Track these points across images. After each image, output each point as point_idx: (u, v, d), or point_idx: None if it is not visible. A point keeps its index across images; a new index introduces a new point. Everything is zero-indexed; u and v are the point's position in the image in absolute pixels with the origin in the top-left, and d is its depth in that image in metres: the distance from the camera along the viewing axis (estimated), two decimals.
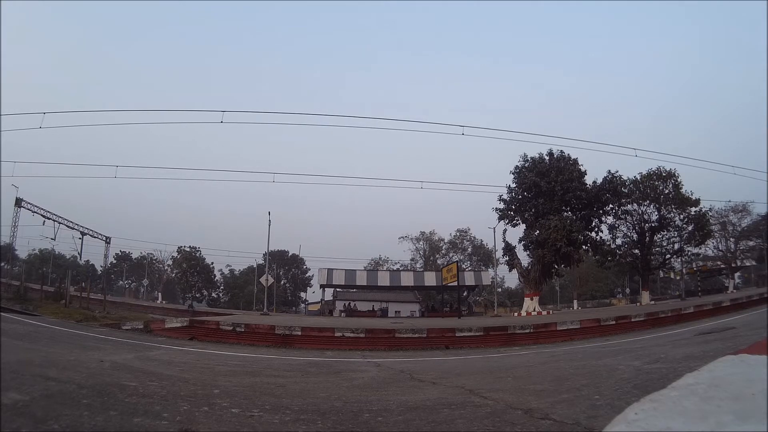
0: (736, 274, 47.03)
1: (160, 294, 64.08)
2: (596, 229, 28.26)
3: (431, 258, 65.62)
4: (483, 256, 64.40)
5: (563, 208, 26.84)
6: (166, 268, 69.05)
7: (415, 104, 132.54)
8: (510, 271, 33.74)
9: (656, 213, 31.17)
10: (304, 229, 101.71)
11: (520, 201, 27.94)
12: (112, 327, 12.58)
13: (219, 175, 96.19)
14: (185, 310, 39.69)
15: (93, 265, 66.10)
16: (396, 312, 44.86)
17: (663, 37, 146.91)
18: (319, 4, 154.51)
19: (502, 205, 28.46)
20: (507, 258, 28.92)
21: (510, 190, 28.25)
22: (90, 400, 3.28)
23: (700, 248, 35.96)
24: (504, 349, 10.38)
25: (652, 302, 30.32)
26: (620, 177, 28.67)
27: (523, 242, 27.66)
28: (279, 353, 9.29)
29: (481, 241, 64.43)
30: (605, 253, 31.36)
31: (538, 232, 26.08)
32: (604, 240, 29.73)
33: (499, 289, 58.45)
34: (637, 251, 32.24)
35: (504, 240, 28.52)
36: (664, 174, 30.51)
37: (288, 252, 68.94)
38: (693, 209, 30.84)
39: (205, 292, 68.67)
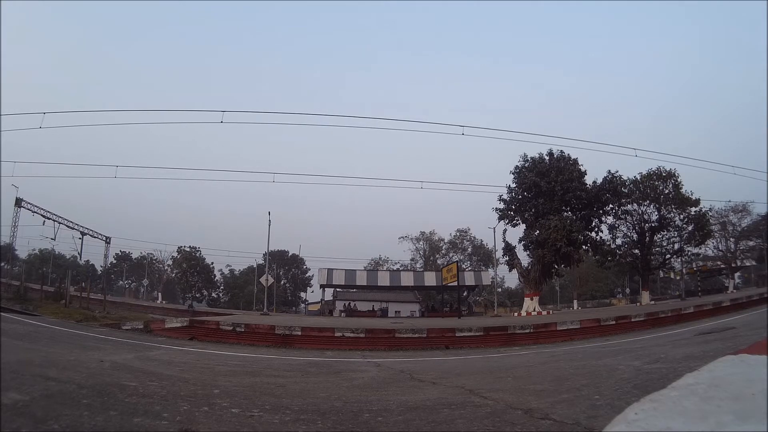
0: (736, 274, 47.03)
1: (160, 294, 64.09)
2: (596, 229, 28.29)
3: (431, 258, 65.62)
4: (483, 256, 64.41)
5: (563, 208, 26.84)
6: (166, 268, 69.08)
7: (415, 104, 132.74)
8: (510, 271, 33.81)
9: (656, 213, 31.18)
10: (304, 229, 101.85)
11: (520, 201, 27.94)
12: (112, 327, 12.58)
13: (219, 175, 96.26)
14: (185, 310, 39.69)
15: (93, 265, 66.18)
16: (396, 312, 44.86)
17: (663, 37, 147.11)
18: (319, 4, 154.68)
19: (502, 205, 28.48)
20: (507, 258, 28.92)
21: (510, 190, 28.27)
22: (90, 400, 3.28)
23: (700, 248, 36.00)
24: (504, 349, 10.38)
25: (652, 302, 30.32)
26: (620, 177, 28.68)
27: (523, 242, 27.67)
28: (279, 353, 9.29)
29: (481, 241, 64.55)
30: (605, 253, 31.35)
31: (538, 232, 26.08)
32: (604, 240, 29.77)
33: (499, 289, 58.47)
34: (637, 251, 32.23)
35: (504, 240, 28.55)
36: (664, 174, 30.51)
37: (288, 252, 68.98)
38: (693, 209, 30.85)
39: (205, 292, 68.67)
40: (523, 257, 28.98)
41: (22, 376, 3.91)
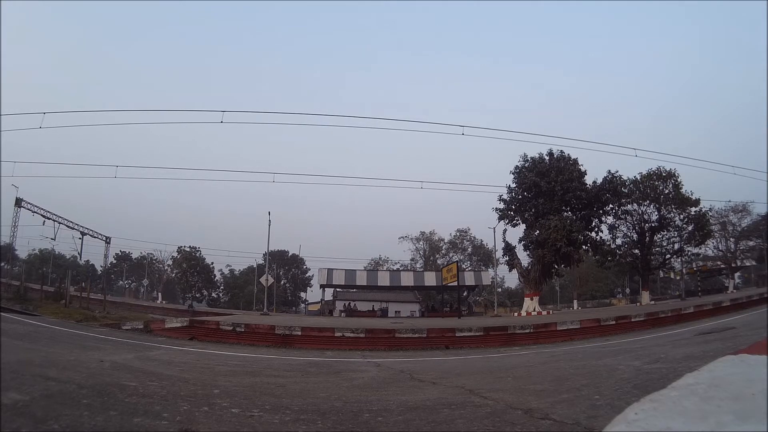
0: (736, 274, 47.03)
1: (160, 294, 64.09)
2: (596, 229, 28.28)
3: (431, 258, 65.62)
4: (483, 256, 64.41)
5: (563, 208, 26.84)
6: (166, 268, 69.08)
7: (415, 104, 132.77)
8: (510, 271, 33.81)
9: (656, 213, 31.18)
10: (304, 229, 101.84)
11: (520, 201, 27.93)
12: (112, 327, 12.58)
13: (219, 175, 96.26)
14: (185, 310, 39.69)
15: (93, 265, 66.19)
16: (396, 312, 44.86)
17: (663, 37, 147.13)
18: (319, 4, 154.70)
19: (502, 205, 28.48)
20: (507, 258, 28.92)
21: (510, 190, 28.27)
22: (90, 400, 3.28)
23: (700, 248, 36.00)
24: (504, 349, 10.38)
25: (652, 302, 30.32)
26: (620, 177, 28.68)
27: (523, 242, 27.67)
28: (279, 353, 9.29)
29: (481, 241, 64.55)
30: (605, 253, 31.35)
31: (538, 232, 26.08)
32: (604, 240, 29.77)
33: (499, 289, 58.46)
34: (637, 251, 32.23)
35: (504, 240, 28.55)
36: (664, 174, 30.50)
37: (288, 252, 68.98)
38: (693, 209, 30.85)
39: (205, 292, 68.67)
40: (523, 257, 29.04)
41: (22, 376, 3.91)
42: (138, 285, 75.23)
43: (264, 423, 3.03)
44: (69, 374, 4.33)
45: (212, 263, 66.99)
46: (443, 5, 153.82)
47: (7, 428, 2.41)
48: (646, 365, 5.58)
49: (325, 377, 5.91)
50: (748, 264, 46.55)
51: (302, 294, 72.59)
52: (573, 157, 27.37)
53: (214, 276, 69.91)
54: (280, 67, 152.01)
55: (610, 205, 29.26)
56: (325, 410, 3.49)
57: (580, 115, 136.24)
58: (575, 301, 49.58)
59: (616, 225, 31.85)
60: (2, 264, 49.79)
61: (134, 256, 74.21)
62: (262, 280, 33.32)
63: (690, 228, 32.04)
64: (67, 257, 61.24)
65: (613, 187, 28.10)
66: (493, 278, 49.22)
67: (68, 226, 33.63)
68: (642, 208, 31.35)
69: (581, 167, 27.16)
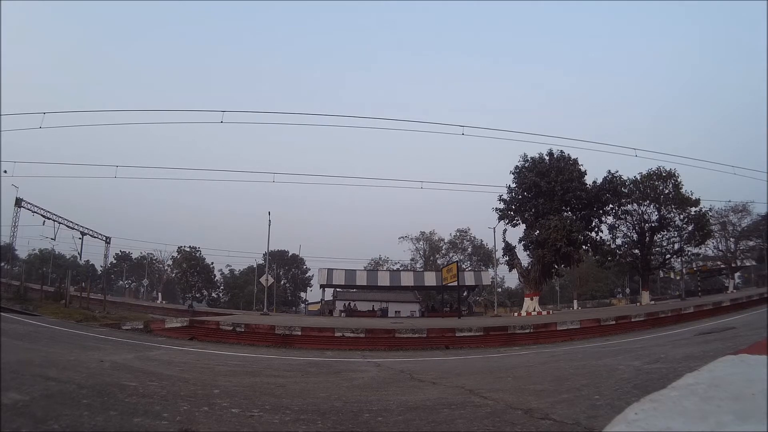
0: (736, 274, 47.03)
1: (160, 294, 64.09)
2: (596, 229, 28.28)
3: (431, 258, 65.62)
4: (483, 256, 64.41)
5: (563, 208, 26.84)
6: (166, 268, 69.07)
7: (415, 104, 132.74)
8: (510, 271, 33.81)
9: (656, 213, 31.18)
10: (304, 229, 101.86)
11: (520, 201, 27.93)
12: (112, 327, 12.58)
13: (219, 175, 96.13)
14: (185, 310, 39.68)
15: (93, 265, 66.19)
16: (396, 312, 44.85)
17: (663, 37, 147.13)
18: (319, 4, 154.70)
19: (502, 205, 28.48)
20: (507, 258, 28.92)
21: (510, 190, 28.27)
22: (90, 400, 3.28)
23: (700, 248, 36.00)
24: (504, 349, 10.38)
25: (652, 302, 30.32)
26: (620, 177, 28.68)
27: (523, 242, 27.67)
28: (279, 353, 9.29)
29: (481, 241, 64.54)
30: (605, 253, 31.35)
31: (538, 232, 26.07)
32: (604, 240, 29.77)
33: (499, 289, 58.46)
34: (637, 251, 32.23)
35: (504, 240, 28.55)
36: (664, 174, 30.51)
37: (288, 252, 68.98)
38: (693, 209, 30.85)
39: (205, 292, 68.67)
40: (523, 257, 29.04)
41: (22, 376, 3.91)
42: (138, 285, 75.23)
43: (264, 423, 3.03)
44: (69, 374, 4.33)
45: (212, 263, 67.12)
46: (443, 5, 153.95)
47: (7, 428, 2.41)
48: (646, 365, 5.58)
49: (325, 377, 5.91)
50: (748, 264, 46.55)
51: (302, 294, 72.67)
52: (573, 157, 27.41)
53: (214, 276, 69.93)
54: (280, 67, 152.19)
55: (610, 205, 29.26)
56: (325, 410, 3.49)
57: (580, 115, 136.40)
58: (575, 301, 49.57)
59: (616, 225, 31.88)
60: (2, 264, 49.79)
61: (134, 256, 74.36)
62: (262, 280, 33.33)
63: (690, 228, 32.04)
64: (67, 257, 61.31)
65: (613, 187, 28.10)
66: (493, 278, 49.23)
67: (68, 226, 33.64)
68: (642, 208, 31.37)
69: (581, 167, 27.17)
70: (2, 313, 12.13)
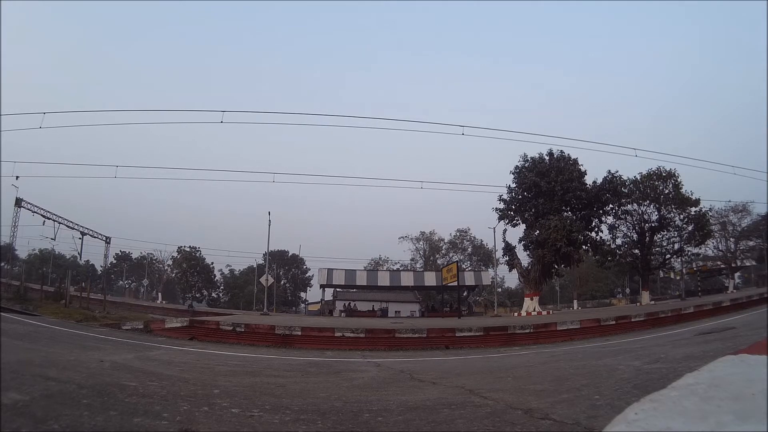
0: (736, 274, 47.03)
1: (160, 294, 64.07)
2: (596, 229, 28.28)
3: (431, 258, 65.61)
4: (483, 256, 64.40)
5: (563, 208, 26.84)
6: (166, 268, 69.07)
7: (415, 104, 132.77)
8: (510, 271, 33.81)
9: (656, 213, 31.18)
10: (304, 229, 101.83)
11: (520, 201, 27.94)
12: (112, 327, 12.58)
13: (219, 175, 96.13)
14: (185, 310, 39.68)
15: (93, 265, 66.18)
16: (396, 312, 44.85)
17: (663, 37, 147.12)
18: (319, 4, 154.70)
19: (502, 205, 28.48)
20: (507, 258, 28.92)
21: (510, 190, 28.27)
22: (90, 400, 3.28)
23: (700, 248, 36.00)
24: (504, 349, 10.38)
25: (652, 302, 30.32)
26: (620, 177, 28.68)
27: (523, 242, 27.67)
28: (279, 353, 9.29)
29: (481, 241, 64.54)
30: (605, 253, 31.35)
31: (538, 232, 26.07)
32: (604, 240, 29.76)
33: (499, 289, 58.46)
34: (637, 251, 32.23)
35: (504, 240, 28.55)
36: (664, 174, 30.51)
37: (288, 252, 68.98)
38: (693, 209, 30.85)
39: (205, 292, 68.66)
40: (523, 257, 29.04)
41: (22, 376, 3.91)
42: (138, 285, 75.23)
43: (264, 423, 3.03)
44: (69, 374, 4.33)
45: (212, 263, 67.11)
46: (443, 5, 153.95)
47: (7, 428, 2.41)
48: (646, 365, 5.58)
49: (325, 377, 5.91)
50: (748, 264, 46.55)
51: (302, 294, 72.66)
52: (573, 157, 27.40)
53: (214, 276, 69.92)
54: (280, 67, 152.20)
55: (610, 205, 29.26)
56: (325, 410, 3.49)
57: (580, 115, 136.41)
58: (575, 301, 49.57)
59: (616, 225, 31.88)
60: (2, 264, 49.79)
61: (134, 256, 74.35)
62: (262, 280, 33.32)
63: (690, 228, 32.04)
64: (67, 257, 61.30)
65: (613, 187, 28.10)
66: (493, 278, 49.23)
67: (68, 226, 33.64)
68: (642, 208, 31.37)
69: (581, 167, 27.17)
70: (2, 313, 12.13)
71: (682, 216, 31.38)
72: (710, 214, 35.45)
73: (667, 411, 1.81)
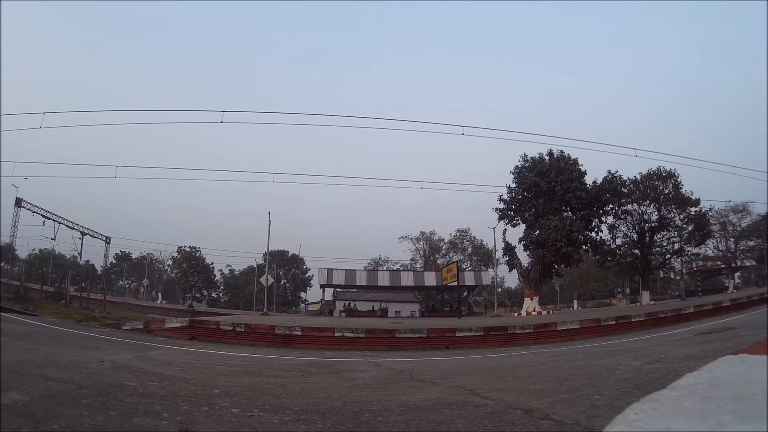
0: (736, 274, 47.03)
1: (160, 294, 64.08)
2: (596, 229, 28.29)
3: (431, 258, 65.61)
4: (483, 256, 64.40)
5: (563, 208, 26.84)
6: (166, 268, 69.07)
7: (415, 104, 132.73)
8: (510, 271, 33.81)
9: (656, 213, 31.18)
10: (304, 229, 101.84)
11: (520, 201, 27.94)
12: (112, 327, 12.58)
13: (219, 175, 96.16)
14: (185, 310, 39.67)
15: (93, 265, 66.18)
16: (396, 312, 44.85)
17: (663, 37, 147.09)
18: (319, 4, 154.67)
19: (502, 205, 28.48)
20: (507, 258, 28.92)
21: (510, 190, 28.27)
22: (90, 400, 3.28)
23: (700, 248, 35.99)
24: (504, 349, 10.38)
25: (652, 302, 30.32)
26: (620, 177, 28.68)
27: (523, 242, 27.68)
28: (279, 353, 9.29)
29: (481, 241, 64.54)
30: (605, 253, 31.35)
31: (538, 232, 26.08)
32: (604, 240, 29.77)
33: (499, 289, 58.46)
34: (637, 251, 32.23)
35: (504, 240, 28.55)
36: (664, 174, 30.51)
37: (288, 252, 68.98)
38: (693, 209, 30.85)
39: (205, 292, 68.66)
40: (523, 257, 29.04)
41: (22, 376, 3.91)
42: (138, 285, 75.22)
43: (264, 423, 3.03)
44: (69, 374, 4.33)
45: (212, 263, 67.12)
46: (443, 5, 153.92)
47: (7, 428, 2.41)
48: (646, 365, 5.58)
49: (325, 377, 5.91)
50: (748, 264, 46.55)
51: (302, 294, 72.67)
52: (573, 157, 27.41)
53: (214, 276, 69.92)
54: (280, 67, 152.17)
55: (610, 205, 29.26)
56: (325, 410, 3.49)
57: (580, 115, 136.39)
58: (575, 301, 49.57)
59: (616, 225, 31.89)
60: (2, 264, 49.79)
61: (134, 256, 74.36)
62: (262, 280, 33.32)
63: (690, 228, 32.04)
64: (67, 257, 61.32)
65: (613, 187, 28.10)
66: (493, 278, 49.22)
67: (68, 226, 33.65)
68: (642, 208, 31.37)
69: (581, 167, 27.17)
70: (2, 313, 12.13)
71: (682, 216, 31.39)
72: (710, 214, 35.50)
73: (667, 411, 1.81)
